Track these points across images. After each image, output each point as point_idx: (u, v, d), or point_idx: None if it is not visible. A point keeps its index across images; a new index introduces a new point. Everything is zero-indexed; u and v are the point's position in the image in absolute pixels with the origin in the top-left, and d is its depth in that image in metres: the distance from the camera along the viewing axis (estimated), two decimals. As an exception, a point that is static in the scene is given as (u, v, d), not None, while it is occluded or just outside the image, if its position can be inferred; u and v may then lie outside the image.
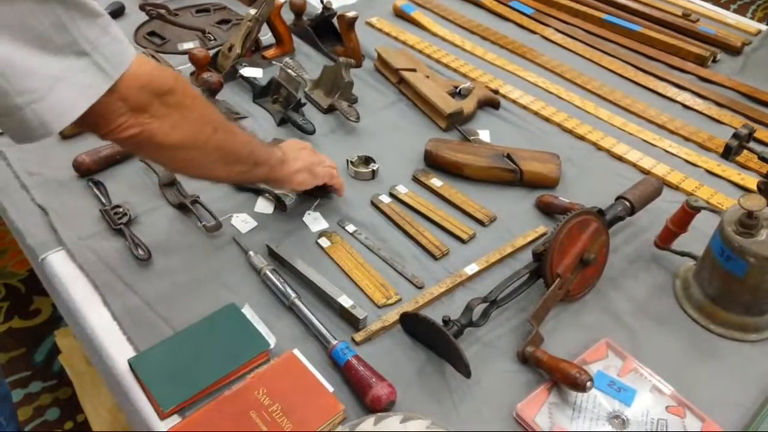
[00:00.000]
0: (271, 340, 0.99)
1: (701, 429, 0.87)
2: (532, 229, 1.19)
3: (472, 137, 1.38)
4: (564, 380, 0.89)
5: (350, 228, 1.19)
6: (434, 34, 1.77)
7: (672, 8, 1.87)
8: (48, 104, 0.74)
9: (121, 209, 1.20)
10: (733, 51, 1.72)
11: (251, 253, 1.12)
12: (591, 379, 0.87)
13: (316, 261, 1.12)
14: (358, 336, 0.99)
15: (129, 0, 1.87)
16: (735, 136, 0.97)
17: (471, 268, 1.11)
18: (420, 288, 1.09)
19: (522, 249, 1.15)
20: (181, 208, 1.23)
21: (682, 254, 1.10)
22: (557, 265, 1.01)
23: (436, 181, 1.28)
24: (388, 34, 1.76)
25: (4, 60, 0.70)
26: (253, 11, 1.57)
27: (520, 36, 1.78)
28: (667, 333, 1.03)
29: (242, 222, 1.21)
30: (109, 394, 1.55)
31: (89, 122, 0.81)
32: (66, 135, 1.38)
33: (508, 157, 1.28)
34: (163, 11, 1.78)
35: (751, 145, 0.97)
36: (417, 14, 1.82)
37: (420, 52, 1.68)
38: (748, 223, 0.93)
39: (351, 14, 1.55)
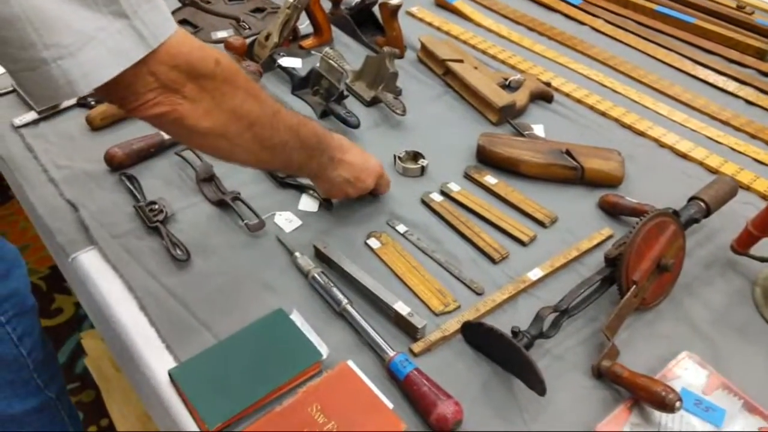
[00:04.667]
0: (323, 350, 0.91)
1: (800, 454, 0.79)
2: (597, 231, 1.11)
3: (525, 132, 1.30)
4: (649, 399, 0.81)
5: (401, 228, 1.12)
6: (478, 25, 1.68)
7: (725, 0, 1.78)
8: (77, 62, 0.67)
9: (156, 206, 1.13)
10: (794, 44, 1.63)
11: (297, 254, 1.05)
12: (680, 399, 0.79)
13: (365, 263, 1.05)
14: (417, 347, 0.92)
15: (159, -13, 1.81)
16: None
17: (535, 273, 1.03)
18: (480, 294, 1.01)
19: (588, 252, 1.07)
20: (221, 205, 1.16)
21: (762, 260, 1.02)
22: (633, 271, 0.93)
23: (490, 179, 1.21)
24: (430, 24, 1.68)
25: (35, 8, 0.63)
26: (291, -2, 1.49)
27: (568, 27, 1.69)
28: (750, 345, 0.95)
29: (286, 221, 1.13)
30: (139, 401, 1.49)
31: (116, 93, 0.74)
32: (96, 126, 1.32)
33: (568, 153, 1.20)
34: (194, -1, 1.71)
35: None
36: (459, 4, 1.74)
37: (464, 42, 1.60)
38: None
39: (394, 2, 1.47)
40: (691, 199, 1.06)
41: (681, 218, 1.01)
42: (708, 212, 1.05)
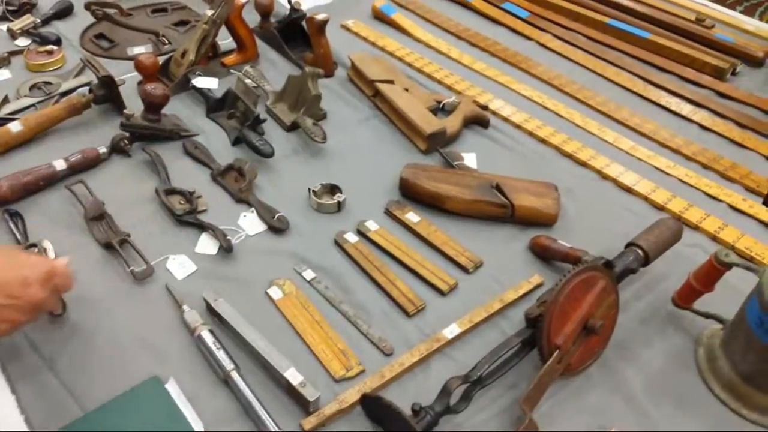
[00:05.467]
0: (198, 427, 0.79)
1: None
2: (525, 278, 0.99)
3: (456, 162, 1.18)
4: (563, 494, 0.70)
5: (308, 274, 1.00)
6: (417, 40, 1.57)
7: (684, 12, 1.68)
8: None
9: (36, 249, 1.00)
10: (755, 62, 1.53)
11: (185, 308, 0.93)
12: (598, 495, 0.68)
13: (263, 318, 0.93)
14: (308, 423, 0.80)
15: (79, -3, 1.67)
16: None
17: (451, 331, 0.91)
18: (388, 355, 0.89)
19: (513, 304, 0.96)
20: (109, 247, 1.03)
21: (706, 316, 0.91)
22: (556, 334, 0.81)
23: (412, 216, 1.09)
24: (365, 39, 1.56)
25: None
26: (209, 12, 1.37)
27: (513, 42, 1.58)
28: (689, 417, 0.84)
29: (179, 266, 1.01)
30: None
31: None
32: (-18, 155, 1.19)
33: (498, 188, 1.09)
34: (113, 11, 1.58)
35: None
36: (398, 16, 1.62)
37: (400, 60, 1.48)
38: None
39: (321, 17, 1.35)
40: (629, 245, 0.95)
41: (615, 269, 0.90)
42: (647, 261, 0.93)
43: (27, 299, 0.77)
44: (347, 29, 1.60)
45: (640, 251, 0.93)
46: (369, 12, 1.67)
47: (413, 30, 1.58)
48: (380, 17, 1.64)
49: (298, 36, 1.49)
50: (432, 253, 1.04)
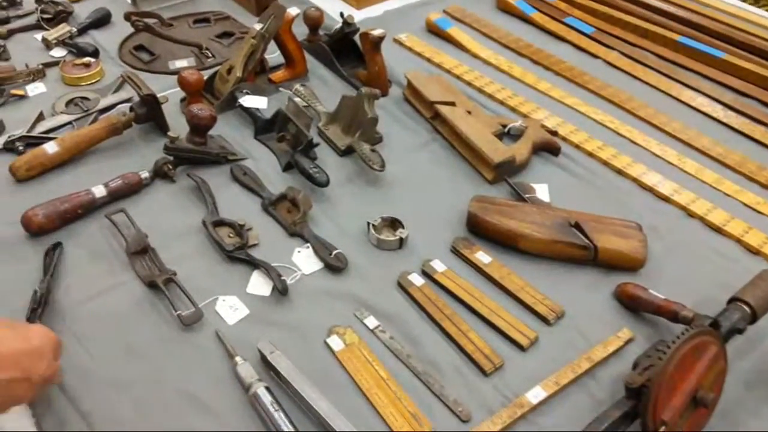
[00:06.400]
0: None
1: None
2: (613, 332, 0.89)
3: (527, 195, 1.08)
4: None
5: (370, 322, 0.91)
6: (475, 56, 1.46)
7: (758, 30, 1.56)
8: None
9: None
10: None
11: (238, 359, 0.84)
12: None
13: (324, 373, 0.84)
14: (380, 503, 0.71)
15: (118, 5, 1.60)
16: None
17: (535, 395, 0.81)
18: (465, 422, 0.80)
19: (601, 363, 0.86)
20: (153, 286, 0.94)
21: (824, 383, 0.81)
22: (663, 407, 0.71)
23: (482, 256, 0.99)
24: (419, 55, 1.46)
25: None
26: (258, 26, 1.29)
27: (579, 60, 1.46)
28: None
29: (230, 308, 0.92)
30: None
31: None
32: (21, 177, 1.12)
33: (577, 226, 0.99)
34: (154, 21, 1.50)
35: None
36: (454, 30, 1.52)
37: (458, 78, 1.38)
38: None
39: (377, 32, 1.26)
40: (732, 300, 0.84)
41: (721, 329, 0.80)
42: (754, 318, 0.83)
43: (37, 374, 0.68)
44: (400, 44, 1.50)
45: (746, 308, 0.83)
46: (423, 25, 1.56)
47: (471, 45, 1.48)
48: (435, 31, 1.54)
49: (350, 51, 1.40)
50: (506, 299, 0.94)
